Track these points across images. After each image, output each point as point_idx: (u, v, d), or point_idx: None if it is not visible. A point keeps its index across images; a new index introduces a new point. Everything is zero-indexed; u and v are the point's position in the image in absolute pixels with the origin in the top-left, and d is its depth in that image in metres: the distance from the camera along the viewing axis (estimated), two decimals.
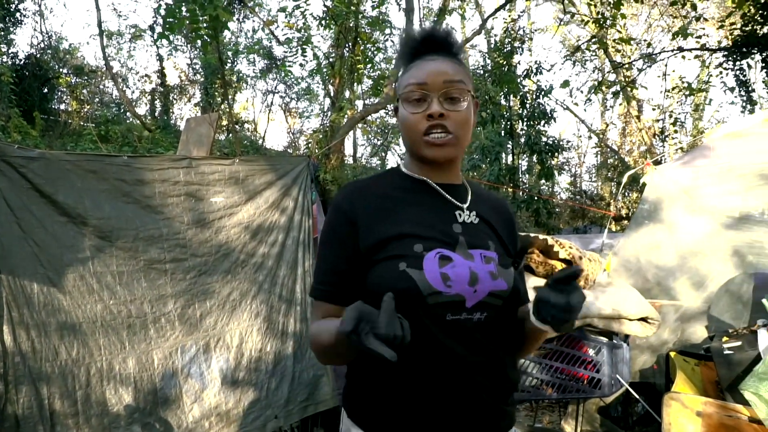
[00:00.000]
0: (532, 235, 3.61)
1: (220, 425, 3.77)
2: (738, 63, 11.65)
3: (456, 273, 1.32)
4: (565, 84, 11.85)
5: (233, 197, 4.08)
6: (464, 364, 1.34)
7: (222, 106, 16.11)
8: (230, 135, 15.36)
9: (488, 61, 14.80)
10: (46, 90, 16.38)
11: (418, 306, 1.29)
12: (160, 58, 19.48)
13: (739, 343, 3.21)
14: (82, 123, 15.93)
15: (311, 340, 1.40)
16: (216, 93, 17.51)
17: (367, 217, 1.39)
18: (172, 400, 3.64)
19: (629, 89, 15.03)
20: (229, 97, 17.77)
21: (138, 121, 16.28)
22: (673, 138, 16.12)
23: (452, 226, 1.42)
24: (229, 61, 18.25)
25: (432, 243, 1.36)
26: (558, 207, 17.07)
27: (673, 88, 15.25)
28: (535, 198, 13.28)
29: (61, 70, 18.04)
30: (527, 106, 13.25)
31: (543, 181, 15.80)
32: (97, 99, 19.86)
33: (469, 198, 1.51)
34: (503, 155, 14.29)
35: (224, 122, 15.21)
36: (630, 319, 3.43)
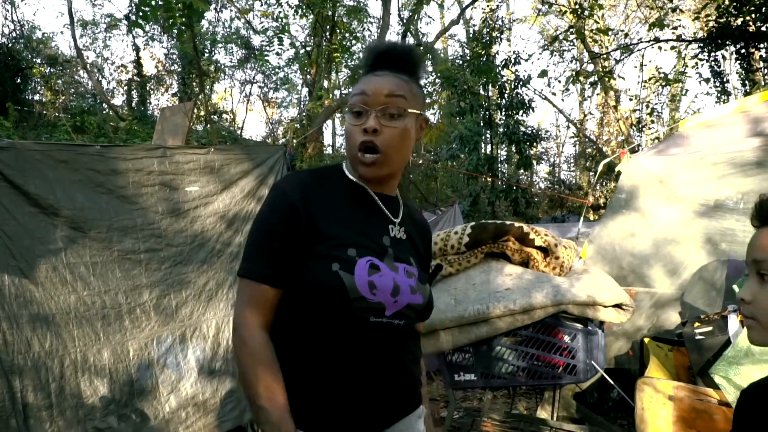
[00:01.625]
0: (507, 222, 3.62)
1: (197, 415, 3.76)
2: (713, 54, 11.78)
3: (382, 282, 1.41)
4: (543, 74, 11.88)
5: (208, 186, 4.05)
6: (384, 358, 1.45)
7: (199, 96, 15.96)
8: (207, 125, 15.22)
9: (467, 51, 14.83)
10: (19, 80, 16.08)
11: (344, 307, 1.37)
12: (137, 48, 19.29)
13: (710, 329, 3.26)
14: (57, 114, 15.66)
15: (241, 354, 1.38)
16: (193, 83, 17.35)
17: (309, 208, 1.42)
18: (149, 391, 3.61)
19: (607, 79, 15.12)
20: (206, 87, 17.62)
21: (113, 112, 16.07)
22: (650, 128, 16.27)
23: (383, 238, 1.51)
24: (207, 51, 18.09)
25: (364, 250, 1.43)
26: (536, 196, 17.17)
27: (650, 79, 15.40)
28: (514, 187, 13.37)
29: (34, 60, 17.72)
30: (506, 96, 13.31)
31: (521, 170, 15.92)
32: (72, 90, 19.55)
33: (401, 213, 1.60)
34: (482, 145, 14.36)
35: (201, 113, 15.08)
36: (605, 306, 3.45)
